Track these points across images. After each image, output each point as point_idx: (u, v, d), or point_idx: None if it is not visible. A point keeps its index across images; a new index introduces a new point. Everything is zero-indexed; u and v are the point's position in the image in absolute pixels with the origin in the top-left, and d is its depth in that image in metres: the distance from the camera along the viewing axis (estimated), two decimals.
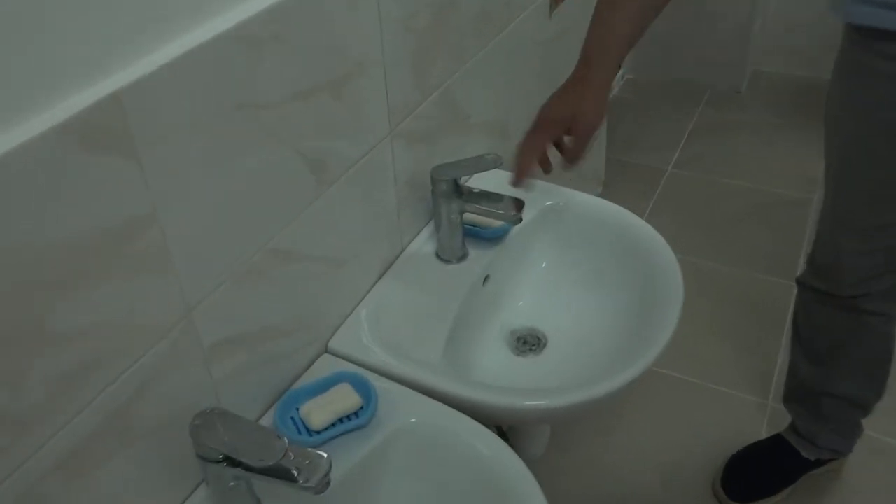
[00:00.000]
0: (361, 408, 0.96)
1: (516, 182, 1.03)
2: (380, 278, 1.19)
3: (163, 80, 0.69)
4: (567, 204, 1.33)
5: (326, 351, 1.08)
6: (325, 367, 1.05)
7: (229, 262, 0.85)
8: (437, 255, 1.23)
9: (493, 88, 1.39)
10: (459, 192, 1.15)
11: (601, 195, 1.35)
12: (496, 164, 1.13)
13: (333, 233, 1.03)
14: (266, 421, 0.97)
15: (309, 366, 1.05)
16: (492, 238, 1.26)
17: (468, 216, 1.21)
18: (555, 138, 1.03)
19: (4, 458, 0.64)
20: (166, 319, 0.78)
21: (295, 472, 0.74)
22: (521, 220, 1.13)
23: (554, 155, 1.05)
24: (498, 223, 1.24)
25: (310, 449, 0.76)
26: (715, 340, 2.00)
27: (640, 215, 1.28)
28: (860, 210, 1.22)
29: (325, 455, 0.76)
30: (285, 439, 0.74)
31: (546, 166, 1.05)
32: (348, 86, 0.96)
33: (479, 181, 1.33)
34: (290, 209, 0.93)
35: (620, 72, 3.22)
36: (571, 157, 1.02)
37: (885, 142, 1.11)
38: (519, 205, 1.11)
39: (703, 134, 2.87)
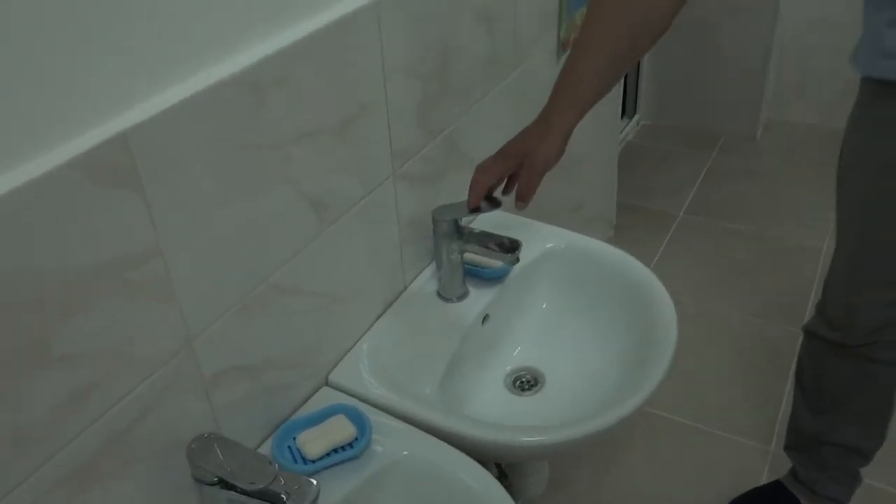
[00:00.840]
0: (356, 439, 0.99)
1: (469, 208, 1.12)
2: (381, 314, 1.22)
3: (169, 120, 0.74)
4: (568, 246, 1.36)
5: (327, 384, 1.12)
6: (325, 399, 1.08)
7: (231, 295, 0.89)
8: (439, 294, 1.26)
9: (498, 130, 1.43)
10: (460, 232, 1.19)
11: (612, 238, 1.38)
12: (492, 204, 1.16)
13: (336, 269, 1.07)
14: (264, 449, 1.00)
15: (309, 397, 1.08)
16: (492, 278, 1.29)
17: (470, 256, 1.25)
18: (507, 171, 1.08)
19: (6, 475, 0.68)
20: (169, 347, 0.82)
21: (284, 497, 0.77)
22: (517, 260, 1.16)
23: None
24: (498, 263, 1.27)
25: (299, 475, 0.79)
26: (721, 386, 2.00)
27: (651, 259, 1.31)
28: (880, 263, 1.23)
29: (315, 482, 0.79)
30: (276, 465, 0.77)
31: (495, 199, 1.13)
32: (351, 128, 1.01)
33: (481, 221, 1.37)
34: (292, 245, 0.97)
35: (636, 117, 3.27)
36: (519, 192, 1.06)
37: None
38: (515, 246, 1.14)
39: (717, 180, 2.90)
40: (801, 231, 2.57)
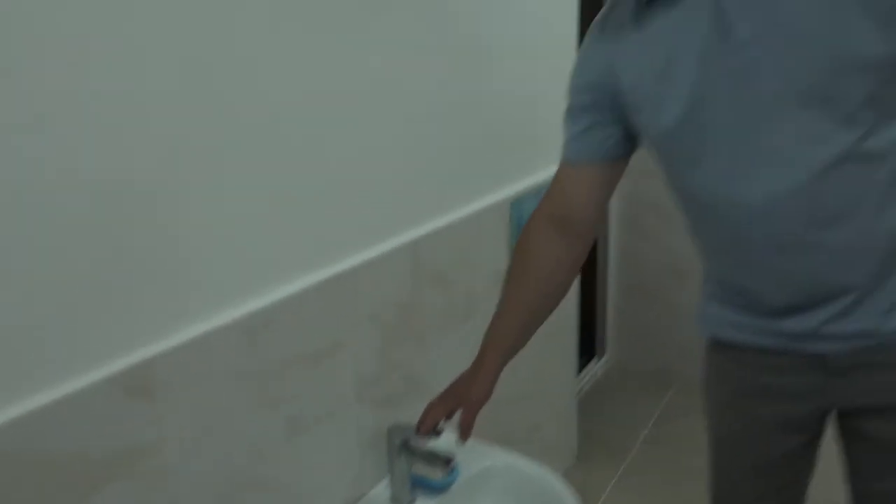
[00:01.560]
0: None
1: (420, 435, 1.28)
2: None
3: (183, 352, 0.98)
4: (505, 465, 1.52)
5: None
6: None
7: (213, 487, 1.07)
8: (391, 500, 1.42)
9: (451, 365, 1.61)
10: (409, 448, 1.37)
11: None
12: (437, 433, 1.34)
13: (303, 472, 1.25)
14: None
15: None
16: (438, 488, 1.44)
17: (421, 468, 1.41)
18: (449, 409, 1.27)
19: None
20: None
21: None
22: (450, 472, 1.34)
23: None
24: (440, 474, 1.43)
25: None
26: None
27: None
28: (730, 485, 1.37)
29: None
30: None
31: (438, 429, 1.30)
32: (324, 359, 1.24)
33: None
34: (267, 448, 1.16)
35: (605, 357, 3.49)
36: (459, 427, 1.23)
37: (742, 427, 1.28)
38: (448, 463, 1.32)
39: (672, 416, 3.05)
40: None
